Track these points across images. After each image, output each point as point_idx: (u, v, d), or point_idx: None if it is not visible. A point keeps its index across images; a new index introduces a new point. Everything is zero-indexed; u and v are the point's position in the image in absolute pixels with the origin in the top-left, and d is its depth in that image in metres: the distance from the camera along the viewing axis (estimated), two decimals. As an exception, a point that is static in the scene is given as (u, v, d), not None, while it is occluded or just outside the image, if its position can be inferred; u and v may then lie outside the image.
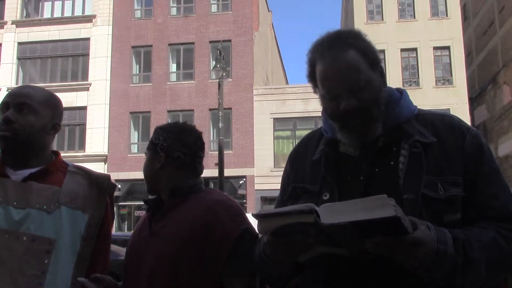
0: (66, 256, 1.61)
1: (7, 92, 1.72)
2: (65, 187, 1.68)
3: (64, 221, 1.62)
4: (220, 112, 16.56)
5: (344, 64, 1.33)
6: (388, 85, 1.46)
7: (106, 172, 21.13)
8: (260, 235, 1.47)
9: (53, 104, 1.77)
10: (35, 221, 1.58)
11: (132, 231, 1.95)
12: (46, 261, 1.56)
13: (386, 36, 23.03)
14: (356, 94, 1.32)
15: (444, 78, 23.45)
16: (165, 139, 1.81)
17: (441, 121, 1.40)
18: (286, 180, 1.57)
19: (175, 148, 1.79)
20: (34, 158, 1.69)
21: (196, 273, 1.65)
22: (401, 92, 1.48)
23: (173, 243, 1.67)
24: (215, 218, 1.68)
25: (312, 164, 1.47)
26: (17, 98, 1.67)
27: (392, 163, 1.35)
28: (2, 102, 1.68)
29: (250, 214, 1.36)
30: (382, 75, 1.41)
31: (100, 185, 1.77)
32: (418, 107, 1.46)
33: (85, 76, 23.76)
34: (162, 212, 1.78)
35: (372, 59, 1.37)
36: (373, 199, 1.09)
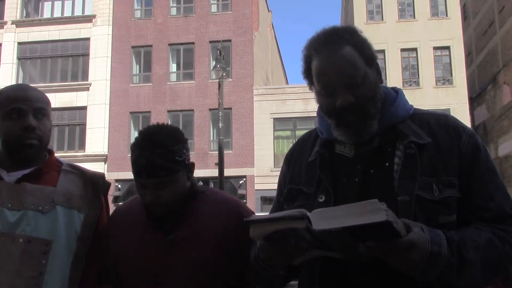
0: (63, 256, 1.59)
1: (12, 96, 1.63)
2: (59, 186, 1.66)
3: (60, 221, 1.60)
4: (220, 112, 16.55)
5: (340, 60, 1.32)
6: (388, 85, 1.46)
7: (106, 172, 21.15)
8: None
9: (50, 103, 1.74)
10: (31, 222, 1.56)
11: (117, 240, 1.71)
12: (43, 262, 1.54)
13: (386, 36, 23.02)
14: (352, 90, 1.31)
15: (444, 78, 23.43)
16: (187, 151, 1.67)
17: (437, 121, 1.39)
18: (282, 182, 1.56)
19: (189, 156, 1.70)
20: (35, 160, 1.67)
21: (231, 274, 1.65)
22: (396, 92, 1.47)
23: (208, 247, 1.63)
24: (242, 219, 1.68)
25: (307, 166, 1.46)
26: (33, 103, 1.62)
27: (387, 164, 1.34)
28: (13, 108, 1.59)
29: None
30: (378, 71, 1.40)
31: (95, 184, 1.75)
32: (414, 107, 1.45)
33: (85, 76, 23.74)
34: (178, 218, 1.67)
35: (368, 55, 1.36)
36: (364, 204, 1.09)
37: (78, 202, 1.67)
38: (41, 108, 1.64)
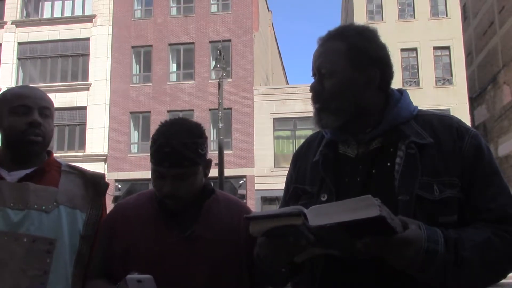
0: (67, 255, 1.62)
1: (19, 93, 1.68)
2: (61, 186, 1.68)
3: (63, 221, 1.63)
4: (220, 112, 16.55)
5: (322, 48, 1.43)
6: None
7: (106, 172, 21.12)
8: None
9: (53, 105, 1.77)
10: (35, 222, 1.57)
11: (125, 239, 1.65)
12: (48, 261, 1.56)
13: (386, 36, 22.34)
14: (322, 79, 1.40)
15: (444, 78, 23.42)
16: (207, 146, 1.67)
17: (440, 121, 1.40)
18: (289, 181, 1.58)
19: (208, 152, 1.70)
20: (36, 160, 1.69)
21: (243, 274, 1.67)
22: (401, 93, 1.48)
23: (225, 246, 1.64)
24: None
25: (312, 165, 1.48)
26: (39, 101, 1.67)
27: (388, 164, 1.35)
28: (20, 104, 1.63)
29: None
30: (371, 79, 1.39)
31: (95, 184, 1.78)
32: (418, 108, 1.46)
33: (85, 76, 23.75)
34: (195, 215, 1.65)
35: (359, 60, 1.38)
36: (358, 200, 1.10)
37: (80, 202, 1.70)
38: (46, 108, 1.68)
